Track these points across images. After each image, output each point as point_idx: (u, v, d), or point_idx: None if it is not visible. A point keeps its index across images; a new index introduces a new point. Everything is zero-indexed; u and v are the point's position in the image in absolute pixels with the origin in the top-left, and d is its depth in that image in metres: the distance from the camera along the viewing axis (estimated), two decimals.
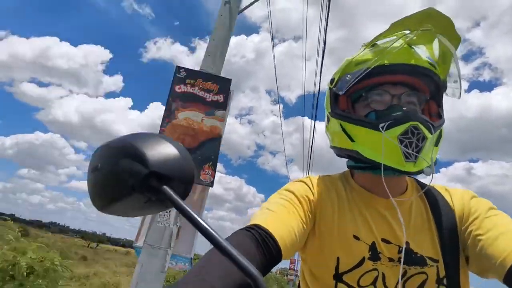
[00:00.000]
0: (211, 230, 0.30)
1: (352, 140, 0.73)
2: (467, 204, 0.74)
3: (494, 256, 0.61)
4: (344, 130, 0.75)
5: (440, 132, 0.74)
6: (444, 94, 0.78)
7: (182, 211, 0.31)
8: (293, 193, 0.74)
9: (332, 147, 0.83)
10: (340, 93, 0.74)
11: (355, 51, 0.79)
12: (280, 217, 0.66)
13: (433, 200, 0.76)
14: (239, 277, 0.47)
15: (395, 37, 0.74)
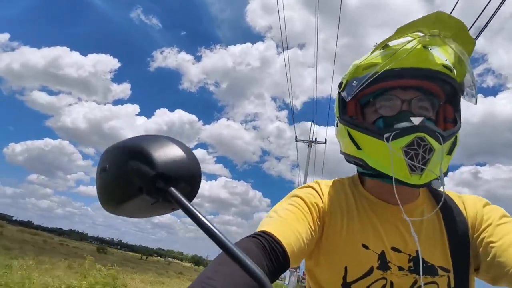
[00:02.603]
0: (218, 233, 0.29)
1: (359, 148, 0.72)
2: (480, 211, 0.73)
3: (507, 263, 0.60)
4: (351, 137, 0.73)
5: (455, 139, 0.70)
6: (462, 98, 0.74)
7: (188, 213, 0.31)
8: (302, 199, 0.73)
9: (341, 153, 0.81)
10: (347, 99, 0.73)
11: (359, 57, 0.75)
12: (289, 223, 0.66)
13: (446, 207, 0.73)
14: (246, 284, 0.47)
15: (409, 37, 0.70)
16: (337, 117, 0.79)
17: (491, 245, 0.65)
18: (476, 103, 0.72)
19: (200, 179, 0.35)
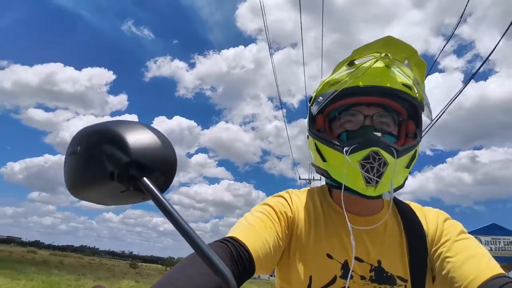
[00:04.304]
0: (188, 228, 0.29)
1: (324, 160, 0.75)
2: (440, 226, 0.76)
3: (460, 279, 0.63)
4: (318, 149, 0.76)
5: (414, 153, 0.74)
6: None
7: (160, 205, 0.29)
8: (272, 208, 0.76)
9: (312, 165, 0.84)
10: (314, 113, 0.77)
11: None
12: (257, 231, 0.67)
13: (407, 220, 0.77)
14: (211, 286, 0.48)
15: (371, 57, 0.75)
16: (308, 129, 0.82)
17: (447, 260, 0.68)
18: (431, 119, 0.80)
19: (175, 171, 0.34)
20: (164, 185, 0.33)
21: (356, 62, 0.77)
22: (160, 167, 0.32)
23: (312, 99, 0.80)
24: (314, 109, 0.77)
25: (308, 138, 0.84)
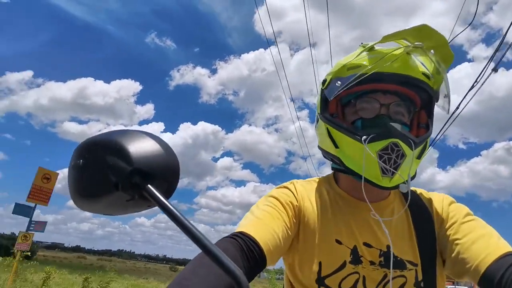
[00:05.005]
0: (196, 231, 0.29)
1: (336, 147, 0.74)
2: (446, 209, 0.77)
3: (470, 260, 0.63)
4: (330, 135, 0.75)
5: (425, 145, 0.74)
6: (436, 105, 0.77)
7: (166, 211, 0.30)
8: (278, 199, 0.75)
9: (319, 148, 0.83)
10: (329, 98, 0.74)
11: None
12: (265, 223, 0.68)
13: (414, 205, 0.77)
14: (223, 285, 0.48)
15: (394, 43, 0.73)
16: (318, 113, 0.80)
17: (456, 242, 0.68)
18: (448, 112, 0.76)
19: (179, 176, 0.34)
20: (168, 191, 0.34)
21: (376, 47, 0.75)
22: (163, 173, 0.33)
23: (327, 82, 0.77)
24: (331, 93, 0.74)
25: (317, 121, 0.82)
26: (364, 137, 0.68)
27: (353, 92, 0.75)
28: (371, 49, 0.75)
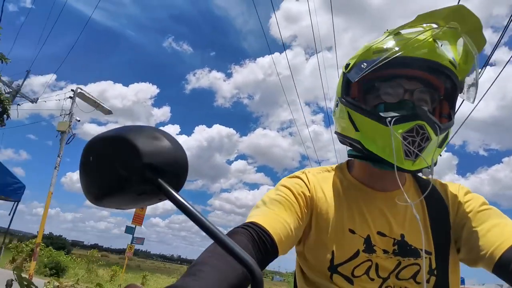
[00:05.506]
0: (208, 223, 0.30)
1: (357, 130, 0.73)
2: (462, 198, 0.77)
3: (485, 247, 0.64)
4: (350, 118, 0.74)
5: (447, 134, 0.73)
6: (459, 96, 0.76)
7: (177, 203, 0.31)
8: (289, 189, 0.75)
9: (337, 133, 0.82)
10: (353, 80, 0.73)
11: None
12: (276, 213, 0.68)
13: (429, 194, 0.74)
14: (235, 276, 0.49)
15: (421, 28, 0.71)
16: (339, 97, 0.79)
17: (471, 230, 0.69)
18: (473, 102, 0.74)
19: (187, 170, 0.35)
20: (177, 185, 0.34)
21: (403, 32, 0.73)
22: (172, 168, 0.33)
23: (351, 66, 0.75)
24: (355, 75, 0.73)
25: (337, 106, 0.81)
26: (389, 118, 0.67)
27: (376, 77, 0.73)
28: (397, 33, 0.74)
